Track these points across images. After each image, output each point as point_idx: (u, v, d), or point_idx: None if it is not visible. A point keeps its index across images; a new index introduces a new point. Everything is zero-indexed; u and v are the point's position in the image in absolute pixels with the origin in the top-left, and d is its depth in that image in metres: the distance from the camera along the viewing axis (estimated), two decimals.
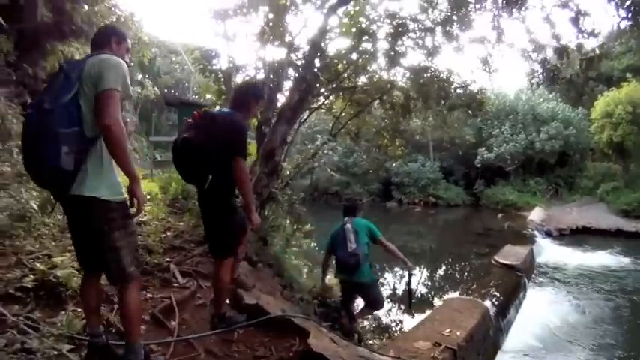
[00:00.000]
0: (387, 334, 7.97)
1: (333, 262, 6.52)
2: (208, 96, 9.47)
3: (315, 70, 7.66)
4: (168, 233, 6.80)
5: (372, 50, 9.66)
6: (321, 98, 10.58)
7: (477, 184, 33.40)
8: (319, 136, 15.52)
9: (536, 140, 30.77)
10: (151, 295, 4.64)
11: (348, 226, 5.86)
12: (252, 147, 9.38)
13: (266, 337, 4.03)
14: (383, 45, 9.76)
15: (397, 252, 6.13)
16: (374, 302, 6.16)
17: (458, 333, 6.21)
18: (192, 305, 4.65)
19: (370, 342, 6.54)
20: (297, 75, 7.61)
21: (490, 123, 32.82)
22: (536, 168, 32.46)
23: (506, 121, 32.71)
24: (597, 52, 8.12)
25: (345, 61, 9.67)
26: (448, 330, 6.27)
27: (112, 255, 2.78)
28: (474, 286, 10.44)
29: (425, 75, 10.69)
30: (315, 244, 11.15)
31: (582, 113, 31.86)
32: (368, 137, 14.01)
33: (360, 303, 6.68)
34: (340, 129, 11.00)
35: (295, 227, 9.10)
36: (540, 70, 8.81)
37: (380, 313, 8.45)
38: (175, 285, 5.04)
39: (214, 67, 8.91)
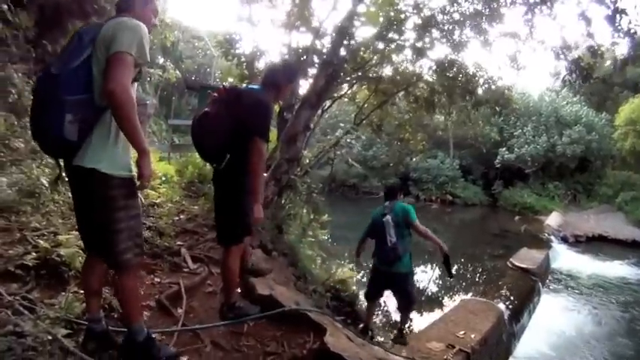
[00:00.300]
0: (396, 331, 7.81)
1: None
2: (230, 79, 9.28)
3: (342, 55, 7.44)
4: (182, 216, 6.63)
5: (398, 40, 9.42)
6: (345, 87, 10.40)
7: (496, 185, 32.97)
8: (342, 124, 15.42)
9: (558, 143, 30.29)
10: (158, 280, 4.43)
11: (388, 218, 5.53)
12: (272, 134, 9.26)
13: (278, 332, 3.77)
14: (410, 35, 9.57)
15: (431, 235, 5.84)
16: (407, 297, 5.86)
17: (472, 336, 6.10)
18: (202, 293, 4.43)
19: (381, 339, 6.33)
20: (323, 59, 7.36)
21: (512, 123, 32.44)
22: (556, 172, 31.98)
23: (529, 122, 32.23)
24: (632, 52, 7.77)
25: (370, 50, 9.46)
26: (462, 332, 6.16)
27: (108, 237, 2.55)
28: (489, 288, 10.30)
29: (451, 69, 10.50)
30: (328, 235, 10.92)
31: (606, 119, 31.35)
32: (389, 130, 13.82)
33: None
34: (363, 119, 10.81)
35: (312, 217, 8.94)
36: (573, 68, 8.43)
37: (390, 309, 8.28)
38: (185, 270, 4.83)
39: (237, 52, 8.74)
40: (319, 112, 8.25)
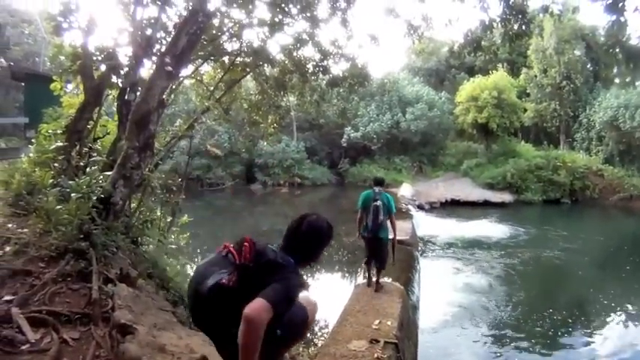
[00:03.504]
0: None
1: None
2: (62, 58, 7.42)
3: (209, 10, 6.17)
4: (7, 248, 4.50)
5: (250, 15, 8.80)
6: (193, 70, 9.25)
7: (342, 163, 33.99)
8: (182, 115, 14.02)
9: (402, 120, 32.31)
10: None
11: (378, 203, 6.61)
12: (110, 123, 7.66)
13: None
14: (263, 11, 9.07)
15: (395, 227, 7.03)
16: (383, 257, 6.89)
17: (388, 323, 5.54)
18: None
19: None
20: (187, 13, 5.87)
21: (356, 103, 33.32)
22: (400, 146, 33.91)
23: (372, 102, 33.80)
24: (523, 27, 7.78)
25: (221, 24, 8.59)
26: (377, 322, 5.57)
27: None
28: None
29: (305, 45, 10.11)
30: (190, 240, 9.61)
31: (445, 97, 34.50)
32: (238, 114, 12.90)
33: None
34: (218, 99, 9.62)
35: (171, 220, 7.65)
36: (467, 39, 8.37)
37: None
38: (24, 348, 3.00)
39: (72, 25, 6.95)
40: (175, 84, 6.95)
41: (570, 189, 26.04)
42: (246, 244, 2.53)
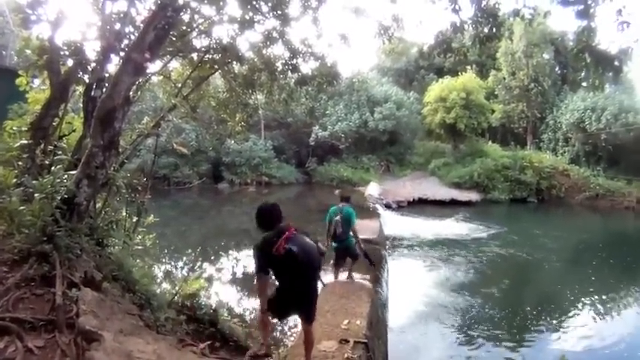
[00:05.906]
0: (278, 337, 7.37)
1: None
2: (28, 52, 7.13)
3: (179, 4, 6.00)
4: None
5: (220, 12, 8.66)
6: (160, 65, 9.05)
7: (309, 162, 34.19)
8: (150, 112, 13.62)
9: (370, 119, 32.67)
10: None
11: (338, 218, 7.57)
12: (76, 121, 7.45)
13: None
14: (234, 8, 8.95)
15: (358, 236, 7.84)
16: (355, 256, 7.79)
17: (358, 323, 5.58)
18: None
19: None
20: (156, 6, 5.68)
21: (324, 102, 33.62)
22: (368, 145, 34.34)
23: (341, 101, 34.09)
24: (494, 30, 7.91)
25: (190, 20, 8.47)
26: (346, 322, 5.59)
27: None
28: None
29: (275, 43, 10.05)
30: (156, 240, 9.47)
31: (414, 97, 35.35)
32: (205, 113, 12.75)
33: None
34: (185, 96, 9.42)
35: (137, 220, 7.47)
36: (438, 40, 8.58)
37: None
38: None
39: (40, 18, 6.70)
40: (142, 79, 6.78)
41: (537, 188, 26.96)
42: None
